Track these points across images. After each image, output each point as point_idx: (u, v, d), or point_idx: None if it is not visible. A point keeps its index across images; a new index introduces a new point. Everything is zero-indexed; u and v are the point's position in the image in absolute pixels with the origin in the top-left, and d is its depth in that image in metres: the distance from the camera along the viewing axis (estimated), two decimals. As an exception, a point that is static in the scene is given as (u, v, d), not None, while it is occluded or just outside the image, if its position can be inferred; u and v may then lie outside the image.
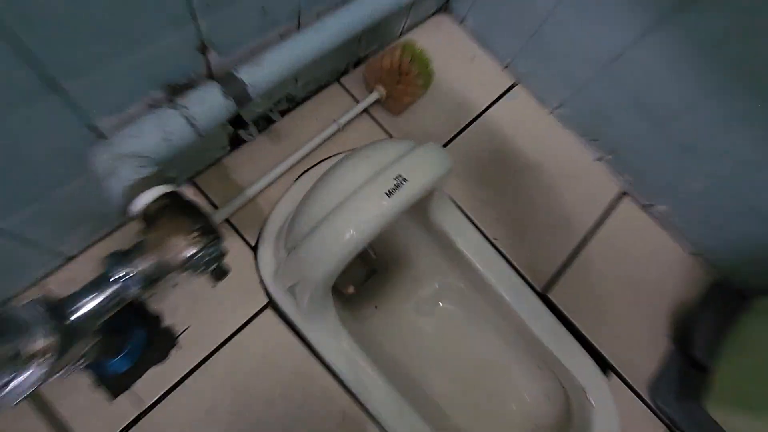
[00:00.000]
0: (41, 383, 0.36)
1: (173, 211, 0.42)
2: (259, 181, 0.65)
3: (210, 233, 0.42)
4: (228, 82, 0.46)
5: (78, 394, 0.53)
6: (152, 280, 0.40)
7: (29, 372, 0.35)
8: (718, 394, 0.65)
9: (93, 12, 0.33)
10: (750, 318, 0.69)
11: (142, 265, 0.40)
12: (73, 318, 0.38)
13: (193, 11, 0.40)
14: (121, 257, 0.39)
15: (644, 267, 0.80)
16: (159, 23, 0.38)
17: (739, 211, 0.71)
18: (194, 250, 0.41)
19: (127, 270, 0.39)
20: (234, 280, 0.61)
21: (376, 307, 0.79)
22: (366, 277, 0.82)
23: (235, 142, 0.66)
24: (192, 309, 0.59)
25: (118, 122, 0.43)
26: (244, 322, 0.60)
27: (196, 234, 0.41)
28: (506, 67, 0.86)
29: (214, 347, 0.59)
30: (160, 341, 0.57)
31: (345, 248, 0.47)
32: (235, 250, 0.63)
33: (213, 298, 0.60)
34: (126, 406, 0.53)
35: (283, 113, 0.70)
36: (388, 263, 0.84)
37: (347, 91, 0.75)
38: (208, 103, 0.45)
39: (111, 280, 0.38)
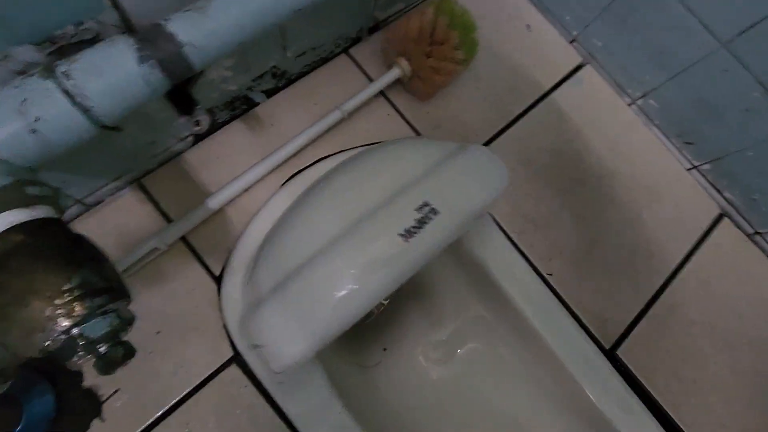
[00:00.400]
0: None
1: (32, 253, 0.24)
2: (230, 186, 0.47)
3: (99, 293, 0.25)
4: (151, 37, 0.28)
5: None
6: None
7: None
8: None
9: None
10: None
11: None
12: None
13: None
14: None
15: (751, 317, 0.59)
16: None
17: None
18: (66, 325, 0.24)
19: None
20: (189, 323, 0.45)
21: (384, 349, 0.61)
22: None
23: (198, 136, 0.48)
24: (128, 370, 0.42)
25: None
26: (198, 382, 0.44)
27: (70, 296, 0.24)
28: (573, 40, 0.65)
29: (156, 416, 0.42)
30: (77, 408, 0.41)
31: (337, 315, 0.29)
32: (192, 282, 0.46)
33: (157, 350, 0.44)
34: (21, 503, 0.38)
35: (269, 94, 0.52)
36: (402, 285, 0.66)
37: (358, 65, 0.56)
38: (114, 72, 0.27)
39: None
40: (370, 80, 0.55)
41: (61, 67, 0.26)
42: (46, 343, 0.24)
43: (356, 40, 0.57)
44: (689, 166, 0.63)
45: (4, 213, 0.24)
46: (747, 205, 0.61)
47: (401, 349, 0.62)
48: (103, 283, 0.25)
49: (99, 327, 0.25)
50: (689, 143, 0.62)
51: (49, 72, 0.26)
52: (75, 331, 0.24)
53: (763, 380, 0.57)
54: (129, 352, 0.26)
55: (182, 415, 0.43)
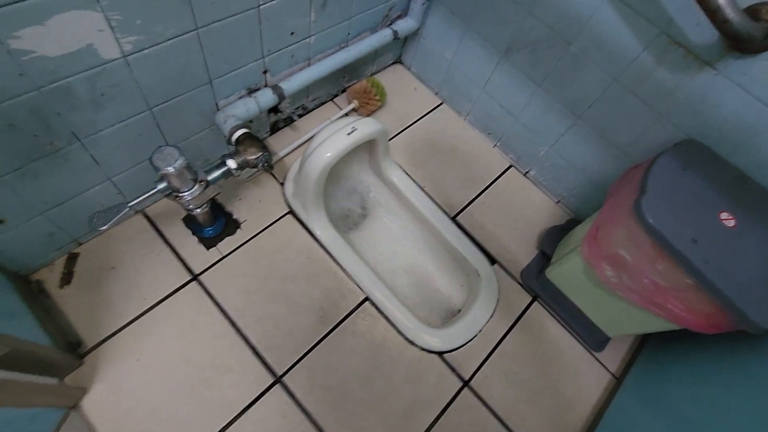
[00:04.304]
0: (194, 198, 0.86)
1: (249, 138, 0.93)
2: (284, 149, 1.17)
3: (264, 149, 0.94)
4: (275, 88, 1.00)
5: (190, 245, 1.01)
6: (241, 166, 0.91)
7: (195, 189, 0.85)
8: (552, 267, 1.09)
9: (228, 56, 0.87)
10: (576, 227, 1.15)
11: (237, 159, 0.91)
12: (210, 178, 0.89)
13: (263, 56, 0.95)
14: (229, 155, 0.91)
15: (524, 211, 1.27)
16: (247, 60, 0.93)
17: (566, 166, 1.19)
18: (258, 154, 0.92)
19: (231, 160, 0.90)
20: (269, 200, 1.12)
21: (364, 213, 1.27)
22: (362, 218, 1.31)
23: (273, 129, 1.19)
24: (248, 212, 1.08)
25: (225, 103, 0.96)
26: (278, 217, 1.09)
27: (258, 147, 0.93)
28: (436, 93, 1.40)
29: (259, 230, 1.07)
30: (231, 225, 1.06)
31: (326, 162, 0.97)
32: (270, 185, 1.13)
33: (259, 208, 1.10)
34: (214, 253, 1.02)
35: (299, 116, 1.24)
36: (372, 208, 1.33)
37: (337, 105, 1.30)
38: (266, 96, 0.98)
39: (223, 162, 0.90)
40: (341, 109, 1.28)
41: (254, 95, 0.97)
42: (254, 159, 0.91)
43: (336, 95, 1.31)
44: (493, 145, 1.35)
45: (242, 129, 0.93)
46: (519, 159, 1.31)
47: (370, 228, 1.27)
48: (264, 147, 0.94)
49: (265, 157, 0.93)
50: (489, 133, 1.34)
51: (250, 96, 0.97)
52: (260, 156, 0.92)
53: (529, 235, 1.23)
54: (271, 166, 0.94)
55: (270, 231, 1.08)
